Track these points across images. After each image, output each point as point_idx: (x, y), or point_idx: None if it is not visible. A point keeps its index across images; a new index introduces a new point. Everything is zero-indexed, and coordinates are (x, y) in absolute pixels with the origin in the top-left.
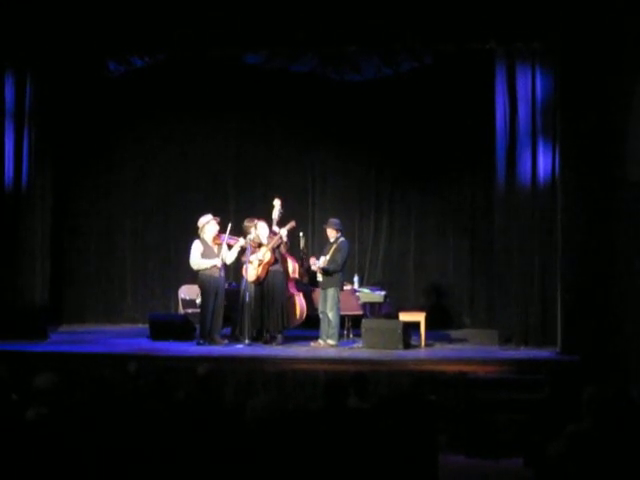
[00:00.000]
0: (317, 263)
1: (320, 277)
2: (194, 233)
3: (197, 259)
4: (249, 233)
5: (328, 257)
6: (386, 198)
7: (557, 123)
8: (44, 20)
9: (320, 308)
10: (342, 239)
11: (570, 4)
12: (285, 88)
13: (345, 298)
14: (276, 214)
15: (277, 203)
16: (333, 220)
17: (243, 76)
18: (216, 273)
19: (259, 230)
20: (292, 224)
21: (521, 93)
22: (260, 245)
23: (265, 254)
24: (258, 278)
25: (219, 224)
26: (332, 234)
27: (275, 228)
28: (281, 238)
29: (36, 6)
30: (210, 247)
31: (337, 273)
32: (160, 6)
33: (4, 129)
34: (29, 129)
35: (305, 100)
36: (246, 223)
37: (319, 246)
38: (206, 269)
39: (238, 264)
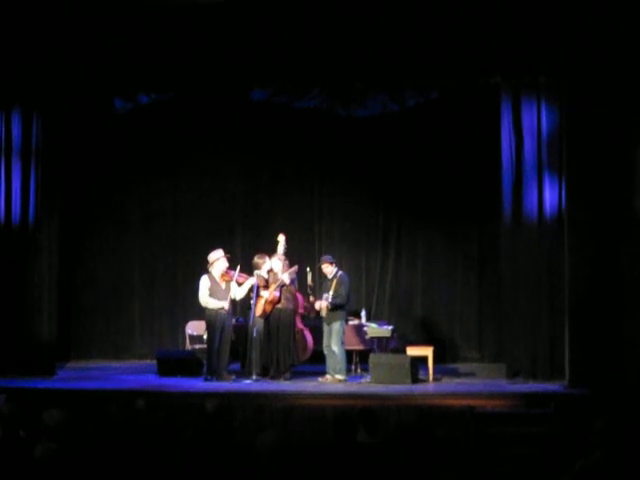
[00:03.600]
0: (326, 298)
1: (324, 313)
2: (202, 269)
3: (205, 297)
4: (259, 269)
5: (332, 292)
6: (393, 232)
7: (563, 156)
8: (50, 58)
9: (325, 343)
10: (340, 272)
11: (575, 38)
12: (291, 124)
13: (351, 333)
14: (281, 249)
15: (281, 239)
16: (325, 257)
17: (249, 112)
18: (223, 310)
19: (273, 265)
20: (294, 269)
21: (527, 126)
22: (267, 282)
23: (271, 293)
24: (264, 312)
25: (229, 260)
26: (328, 269)
27: (276, 262)
28: (283, 282)
29: (42, 44)
30: (218, 283)
31: (343, 307)
32: (166, 44)
33: (11, 167)
34: (36, 167)
35: (311, 136)
36: (256, 259)
37: (324, 283)
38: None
39: (246, 299)
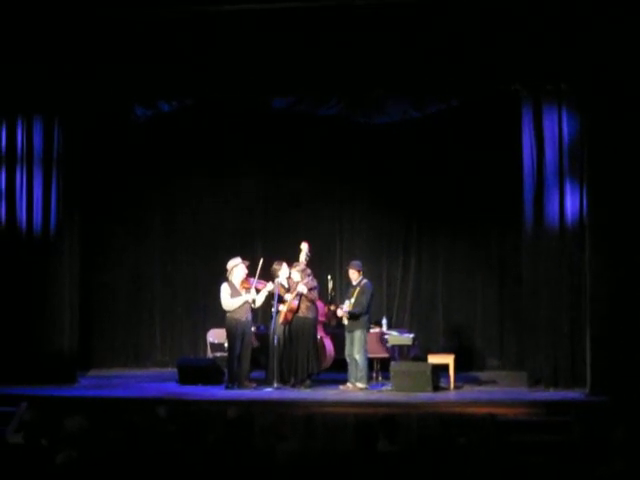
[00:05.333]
0: (343, 307)
1: (346, 320)
2: (222, 276)
3: (228, 300)
4: (277, 276)
5: (353, 300)
6: (414, 241)
7: (584, 163)
8: (71, 66)
9: (347, 351)
10: (365, 280)
11: (596, 44)
12: (312, 131)
13: (372, 341)
14: (303, 257)
15: (304, 247)
16: (355, 262)
17: (270, 120)
18: (243, 317)
19: (292, 275)
20: (306, 282)
21: (548, 134)
22: (288, 290)
23: (290, 302)
24: (285, 320)
25: (247, 268)
26: (354, 276)
27: (294, 273)
28: (299, 292)
29: (62, 53)
30: (237, 290)
31: (363, 315)
32: (187, 51)
33: (32, 175)
34: (57, 175)
35: (332, 143)
36: (275, 266)
37: (347, 289)
38: (236, 310)
39: (266, 307)
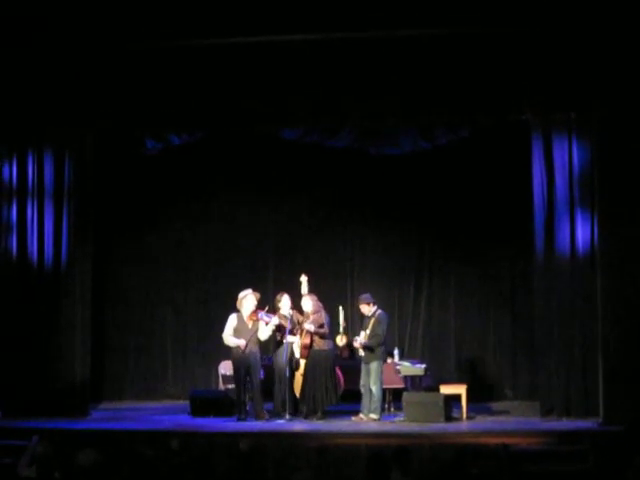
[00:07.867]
0: (358, 340)
1: (362, 351)
2: (234, 308)
3: (226, 334)
4: (279, 308)
5: (369, 331)
6: (425, 270)
7: (595, 193)
8: (81, 99)
9: (362, 382)
10: (380, 311)
11: (605, 74)
12: (322, 162)
13: (386, 371)
14: (305, 290)
15: (304, 279)
16: (363, 296)
17: (280, 151)
18: (247, 349)
19: (303, 304)
20: (312, 319)
21: (558, 163)
22: (294, 322)
23: (302, 340)
24: (302, 356)
25: (259, 301)
26: (366, 309)
27: (306, 301)
28: (308, 330)
29: (72, 86)
30: (245, 322)
31: (380, 346)
32: (197, 85)
33: (44, 208)
34: (68, 208)
35: (343, 174)
36: (277, 297)
37: (359, 320)
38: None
39: (275, 338)
